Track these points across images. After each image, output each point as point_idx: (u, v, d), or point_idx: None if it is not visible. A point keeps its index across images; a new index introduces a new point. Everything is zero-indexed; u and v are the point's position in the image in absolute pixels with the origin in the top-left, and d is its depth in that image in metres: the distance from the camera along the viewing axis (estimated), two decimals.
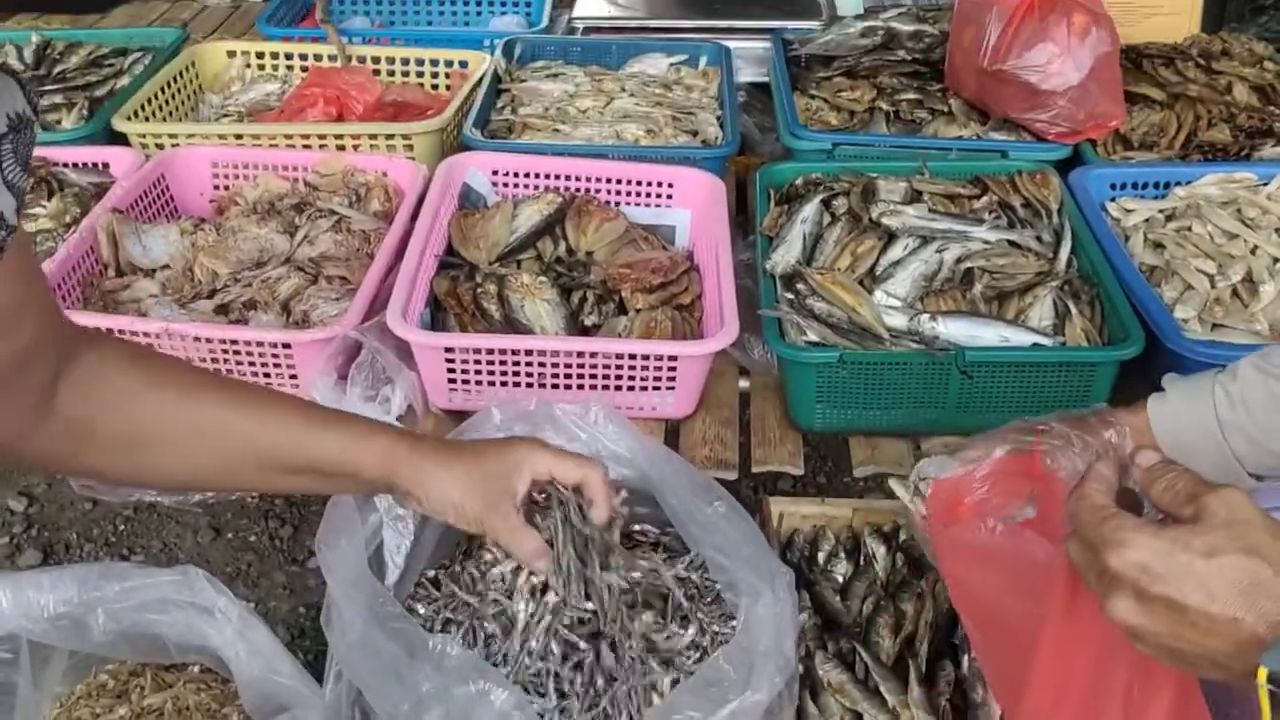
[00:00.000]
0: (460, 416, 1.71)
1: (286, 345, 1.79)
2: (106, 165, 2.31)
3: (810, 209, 2.07)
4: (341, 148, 2.36)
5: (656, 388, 1.81)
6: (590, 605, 1.32)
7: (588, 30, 2.91)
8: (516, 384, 1.79)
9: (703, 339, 1.85)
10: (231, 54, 2.82)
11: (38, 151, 0.96)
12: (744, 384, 1.95)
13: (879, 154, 2.30)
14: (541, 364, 1.77)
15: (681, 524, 1.42)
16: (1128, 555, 0.93)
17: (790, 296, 1.89)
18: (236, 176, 2.31)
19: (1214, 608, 0.89)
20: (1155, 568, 0.91)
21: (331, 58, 2.75)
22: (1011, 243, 2.01)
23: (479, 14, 3.25)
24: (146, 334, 1.80)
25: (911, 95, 2.50)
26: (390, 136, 2.37)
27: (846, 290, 1.87)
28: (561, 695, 1.31)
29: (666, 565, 1.43)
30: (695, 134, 2.45)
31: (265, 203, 2.22)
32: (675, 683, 1.32)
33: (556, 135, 2.42)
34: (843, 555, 1.66)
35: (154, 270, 2.07)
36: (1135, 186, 2.20)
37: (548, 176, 2.23)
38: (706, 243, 2.07)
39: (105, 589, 1.51)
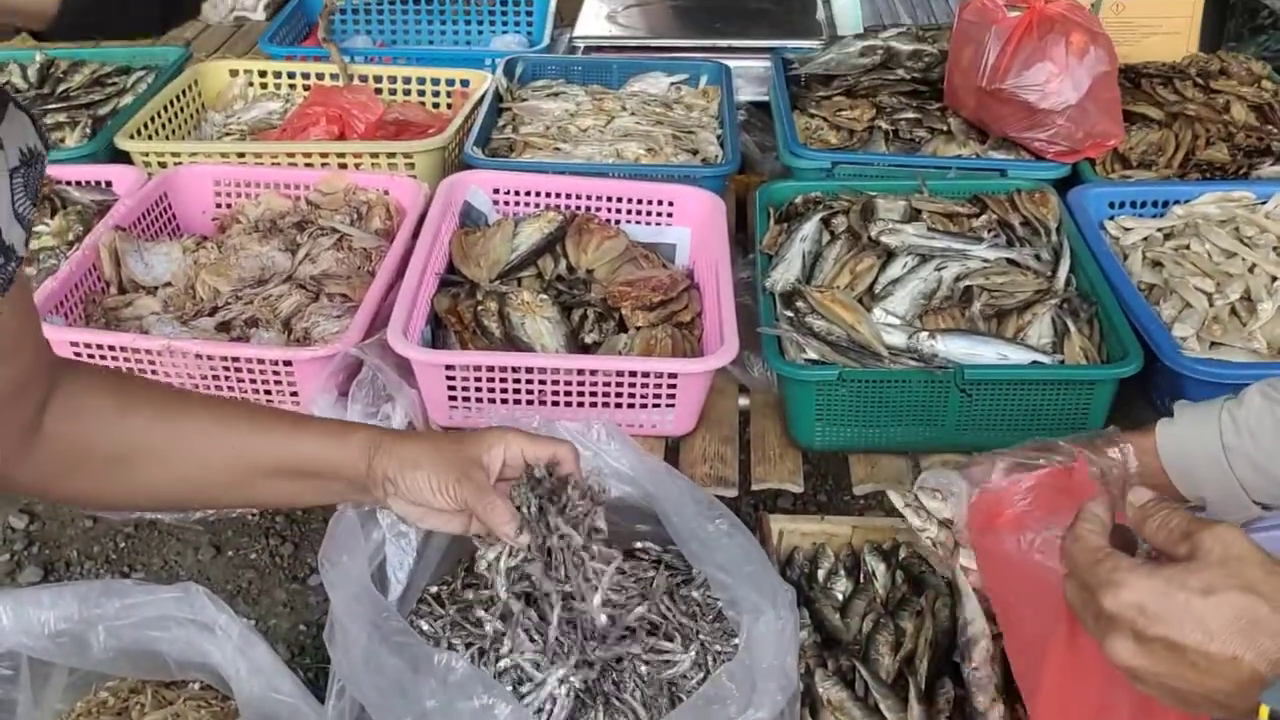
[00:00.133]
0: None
1: (288, 363, 1.80)
2: (109, 183, 2.32)
3: (810, 227, 2.08)
4: (343, 166, 2.37)
5: (657, 405, 1.81)
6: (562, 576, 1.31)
7: (588, 49, 2.93)
8: (517, 401, 1.79)
9: (703, 357, 1.85)
10: (234, 73, 2.83)
11: None
12: (744, 401, 1.96)
13: (878, 173, 2.31)
14: (542, 381, 1.78)
15: (683, 541, 1.42)
16: (1124, 596, 0.92)
17: (790, 314, 1.90)
18: (238, 195, 2.32)
19: (1213, 646, 0.89)
20: (1152, 608, 0.91)
21: (333, 77, 2.76)
22: (1010, 261, 2.02)
23: (480, 33, 3.27)
24: (148, 351, 1.80)
25: (911, 114, 2.51)
26: (392, 155, 2.38)
27: (846, 308, 1.87)
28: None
29: (664, 575, 1.43)
30: (695, 153, 2.45)
31: (267, 221, 2.23)
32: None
33: (557, 154, 2.43)
34: (842, 573, 1.66)
35: (156, 288, 2.07)
36: (1134, 205, 2.21)
37: (548, 195, 2.24)
38: (706, 261, 2.08)
39: (106, 606, 1.51)
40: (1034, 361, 1.82)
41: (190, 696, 1.61)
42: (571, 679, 1.31)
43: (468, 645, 1.40)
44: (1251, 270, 2.01)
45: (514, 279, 2.07)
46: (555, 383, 1.78)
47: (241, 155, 2.42)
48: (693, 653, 1.38)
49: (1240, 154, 2.37)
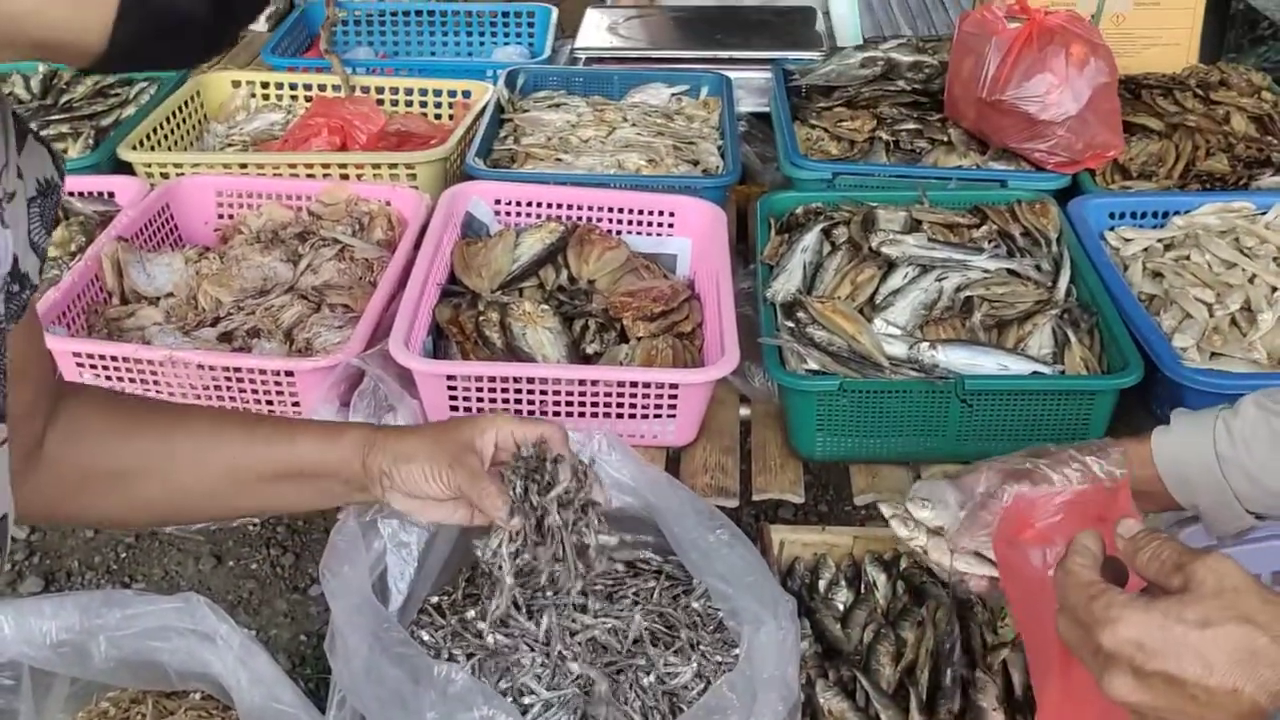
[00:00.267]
0: None
1: (289, 373, 1.80)
2: (112, 194, 2.33)
3: (810, 238, 2.08)
4: (345, 177, 2.38)
5: (658, 415, 1.82)
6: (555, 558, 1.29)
7: (590, 61, 2.93)
8: (518, 411, 1.79)
9: (704, 367, 1.85)
10: (236, 84, 2.84)
11: None
12: (745, 412, 1.96)
13: (879, 183, 2.31)
14: (543, 392, 1.78)
15: (684, 552, 1.43)
16: (1120, 632, 0.92)
17: (790, 325, 1.90)
18: (240, 205, 2.33)
19: (1212, 680, 0.89)
20: (1150, 643, 0.90)
21: (335, 88, 2.77)
22: (1011, 271, 2.02)
23: (482, 45, 3.28)
24: (150, 361, 1.81)
25: (911, 125, 2.52)
26: (394, 166, 2.39)
27: (846, 319, 1.88)
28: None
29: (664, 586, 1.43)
30: (696, 163, 2.46)
31: (269, 231, 2.23)
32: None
33: (559, 165, 2.44)
34: (843, 583, 1.66)
35: (158, 298, 2.08)
36: (1134, 216, 2.21)
37: (550, 205, 2.24)
38: (707, 271, 2.08)
39: (107, 616, 1.51)
40: (1034, 372, 1.82)
41: (191, 707, 1.61)
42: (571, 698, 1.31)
43: (468, 656, 1.40)
44: (1252, 281, 2.01)
45: (515, 289, 2.07)
46: (556, 393, 1.78)
47: (244, 166, 2.43)
48: (694, 663, 1.38)
49: (1240, 165, 2.37)
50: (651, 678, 1.38)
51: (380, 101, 2.74)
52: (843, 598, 1.64)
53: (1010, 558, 1.34)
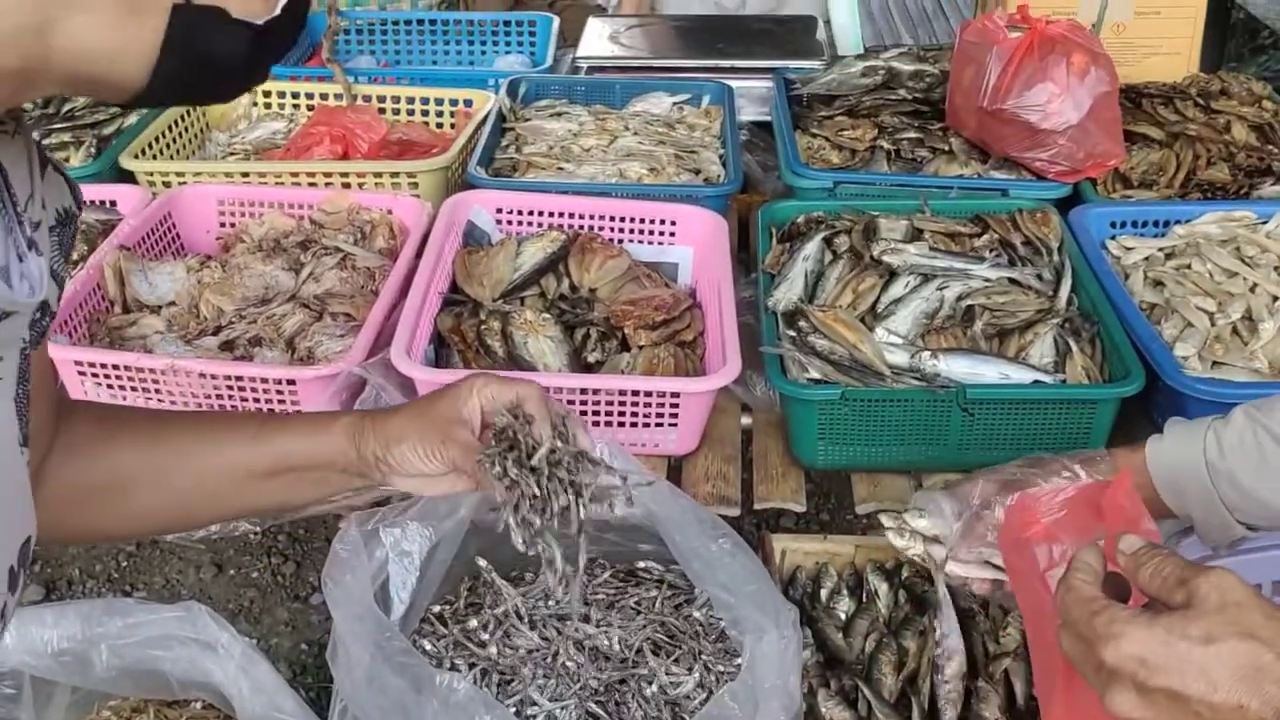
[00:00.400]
0: None
1: (291, 381, 1.80)
2: (114, 203, 2.33)
3: (812, 247, 2.08)
4: (347, 185, 2.38)
5: (659, 424, 1.82)
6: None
7: (591, 70, 2.94)
8: None
9: (705, 376, 1.85)
10: None
11: None
12: (746, 421, 1.96)
13: (880, 192, 2.31)
14: None
15: (686, 561, 1.43)
16: (1124, 648, 0.91)
17: (792, 334, 1.90)
18: (242, 214, 2.33)
19: (1217, 696, 0.88)
20: (1153, 660, 0.90)
21: (337, 97, 2.77)
22: (1012, 280, 2.02)
23: (484, 54, 3.28)
24: (152, 370, 1.81)
25: (912, 134, 2.52)
26: (395, 175, 2.39)
27: (848, 328, 1.88)
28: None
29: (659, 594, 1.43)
30: (698, 172, 2.46)
31: (271, 240, 2.23)
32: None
33: (560, 173, 2.44)
34: (845, 592, 1.66)
35: (160, 307, 2.08)
36: (1135, 225, 2.21)
37: (551, 214, 2.25)
38: (709, 280, 2.08)
39: (108, 625, 1.51)
40: (1036, 381, 1.82)
41: (192, 715, 1.62)
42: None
43: (470, 666, 1.40)
44: (1253, 290, 2.01)
45: (517, 298, 2.07)
46: (558, 402, 1.78)
47: (245, 175, 2.43)
48: (696, 673, 1.38)
49: (1241, 174, 2.37)
50: (654, 687, 1.38)
51: (382, 110, 2.74)
52: (844, 607, 1.64)
53: (1016, 564, 1.34)
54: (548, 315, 1.99)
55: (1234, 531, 1.39)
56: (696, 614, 1.51)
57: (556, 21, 3.24)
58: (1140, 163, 2.42)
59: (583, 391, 1.78)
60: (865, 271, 2.03)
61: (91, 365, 1.84)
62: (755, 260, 2.15)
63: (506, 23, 3.29)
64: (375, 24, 3.27)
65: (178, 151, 2.63)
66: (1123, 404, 1.77)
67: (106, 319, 2.02)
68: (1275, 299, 1.99)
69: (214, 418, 1.33)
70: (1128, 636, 0.91)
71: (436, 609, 1.52)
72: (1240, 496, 1.35)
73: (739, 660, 1.34)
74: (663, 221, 2.23)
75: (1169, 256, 2.13)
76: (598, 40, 3.04)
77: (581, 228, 2.23)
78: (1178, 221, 2.20)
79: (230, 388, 1.82)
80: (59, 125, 2.65)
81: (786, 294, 2.00)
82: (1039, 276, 2.03)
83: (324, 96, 2.80)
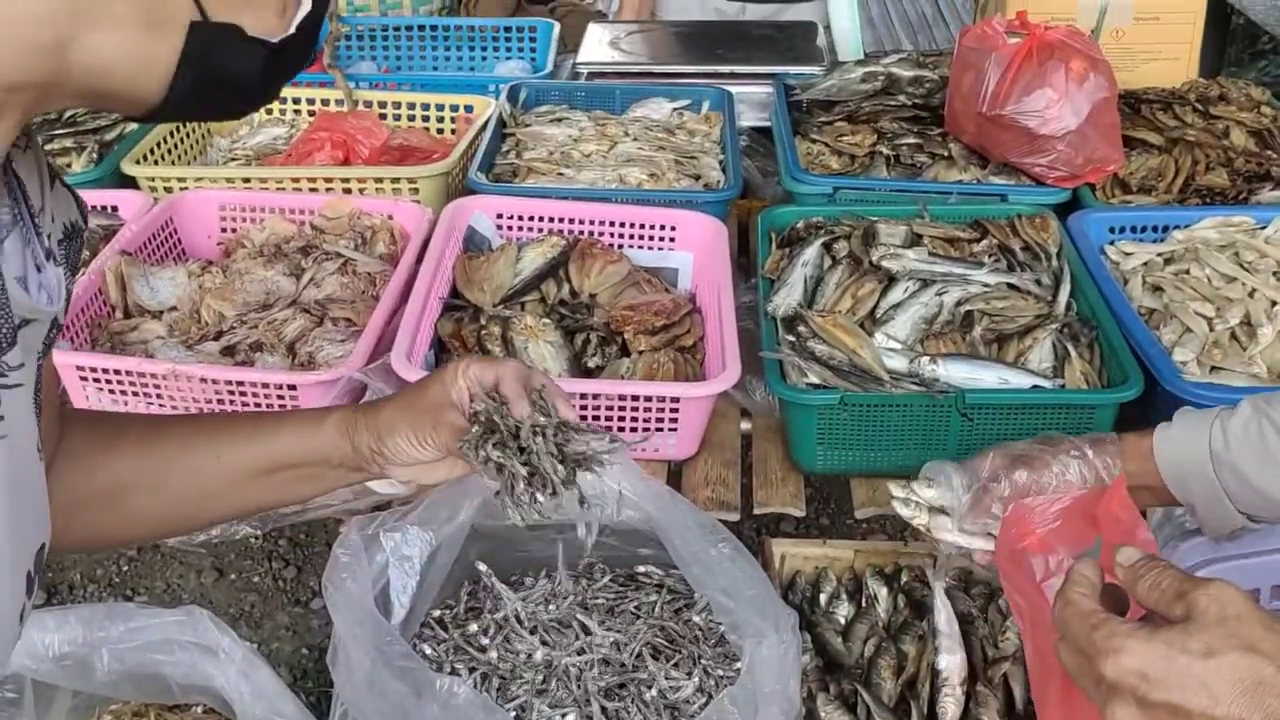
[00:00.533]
0: None
1: (292, 387, 1.81)
2: (115, 208, 2.33)
3: (811, 252, 2.09)
4: (348, 191, 2.39)
5: (659, 429, 1.82)
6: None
7: (592, 75, 2.94)
8: None
9: (705, 381, 1.86)
10: None
11: None
12: (746, 425, 1.96)
13: (879, 198, 2.32)
14: None
15: (685, 565, 1.43)
16: (1124, 663, 0.91)
17: (791, 339, 1.90)
18: (244, 219, 2.33)
19: (1219, 710, 0.88)
20: (1154, 674, 0.90)
21: (338, 102, 2.78)
22: (1011, 286, 2.03)
23: (484, 59, 3.29)
24: (153, 375, 1.81)
25: (912, 140, 2.53)
26: (396, 180, 2.40)
27: (847, 333, 1.88)
28: None
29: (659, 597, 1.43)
30: (698, 178, 2.47)
31: (272, 245, 2.24)
32: None
33: (560, 179, 2.44)
34: (844, 597, 1.67)
35: (161, 312, 2.08)
36: (1134, 230, 2.22)
37: (552, 220, 2.25)
38: (708, 285, 2.09)
39: (110, 629, 1.52)
40: (1035, 386, 1.82)
41: None
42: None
43: (471, 670, 1.40)
44: (1251, 295, 2.01)
45: (517, 303, 2.08)
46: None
47: (247, 180, 2.43)
48: (696, 677, 1.39)
49: (1240, 179, 2.38)
50: (654, 692, 1.38)
51: (383, 116, 2.75)
52: (844, 611, 1.65)
53: (1013, 574, 1.34)
54: (548, 320, 1.99)
55: (1235, 521, 1.39)
56: (696, 618, 1.51)
57: (557, 27, 3.25)
58: (1139, 168, 2.43)
59: (583, 396, 1.78)
60: (864, 277, 2.04)
61: (93, 370, 1.84)
62: (755, 265, 2.16)
63: (507, 28, 3.29)
64: (376, 30, 3.28)
65: (179, 157, 2.63)
66: (1121, 409, 1.77)
67: (108, 324, 2.03)
68: (1274, 304, 1.99)
69: (209, 419, 1.33)
70: (1128, 651, 0.91)
71: (437, 613, 1.53)
72: (1242, 486, 1.36)
73: (739, 665, 1.34)
74: (663, 227, 2.23)
75: (1168, 262, 2.13)
76: (598, 46, 3.05)
77: (582, 233, 2.23)
78: (1176, 227, 2.20)
79: (231, 393, 1.82)
80: (61, 131, 2.66)
81: (786, 299, 2.01)
82: (1038, 282, 2.04)
83: (325, 102, 2.80)
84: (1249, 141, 2.48)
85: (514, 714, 1.32)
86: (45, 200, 0.90)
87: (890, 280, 2.03)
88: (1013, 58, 2.27)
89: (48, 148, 2.56)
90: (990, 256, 2.10)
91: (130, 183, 2.43)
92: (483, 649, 1.46)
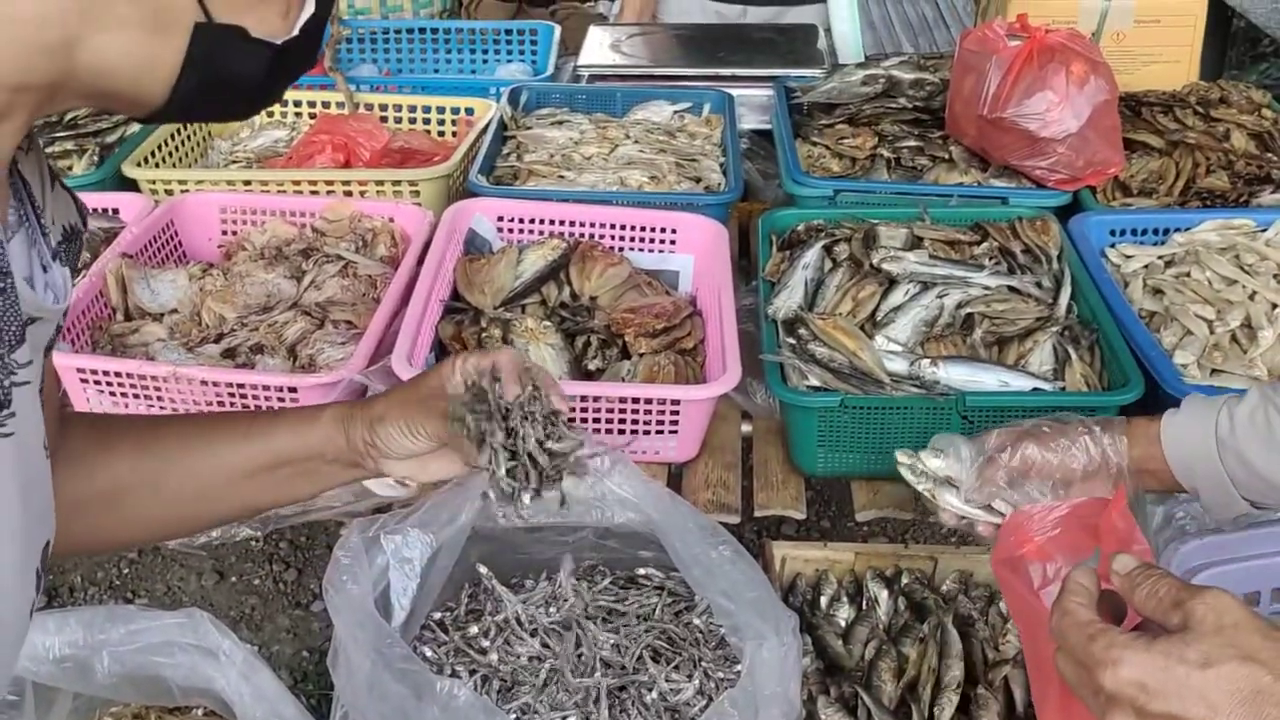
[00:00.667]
0: None
1: (293, 389, 1.80)
2: (116, 211, 2.33)
3: (812, 255, 2.09)
4: (349, 194, 2.39)
5: (660, 431, 1.82)
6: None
7: (592, 78, 2.94)
8: None
9: (705, 383, 1.86)
10: None
11: None
12: (746, 428, 1.96)
13: (880, 200, 2.32)
14: None
15: (686, 568, 1.43)
16: (1123, 674, 0.91)
17: (792, 341, 1.90)
18: (245, 222, 2.33)
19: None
20: (1152, 684, 0.90)
21: (339, 105, 2.78)
22: (1011, 288, 2.03)
23: (485, 62, 3.29)
24: (154, 377, 1.81)
25: (912, 142, 2.53)
26: (397, 183, 2.40)
27: (848, 335, 1.88)
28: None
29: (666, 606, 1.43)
30: (698, 180, 2.47)
31: (273, 248, 2.24)
32: None
33: (561, 181, 2.45)
34: (845, 599, 1.67)
35: (162, 315, 2.09)
36: (1134, 233, 2.22)
37: (552, 222, 2.25)
38: (709, 288, 2.09)
39: (110, 632, 1.52)
40: (1035, 389, 1.82)
41: None
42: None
43: (471, 672, 1.40)
44: (1252, 298, 2.02)
45: (518, 306, 2.08)
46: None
47: (248, 183, 2.43)
48: (696, 680, 1.39)
49: (1240, 182, 2.38)
50: (654, 694, 1.38)
51: (384, 119, 2.75)
52: (844, 614, 1.65)
53: (1011, 581, 1.34)
54: (548, 323, 1.99)
55: (1239, 507, 1.39)
56: (697, 621, 1.51)
57: (558, 30, 3.25)
58: (1140, 171, 2.43)
59: (583, 399, 1.78)
60: (865, 279, 2.04)
61: (94, 372, 1.84)
62: (755, 268, 2.16)
63: (508, 31, 3.29)
64: (377, 32, 3.28)
65: (180, 160, 2.63)
66: (1121, 411, 1.77)
67: (109, 326, 2.03)
68: (1274, 306, 1.99)
69: (206, 419, 1.34)
70: (1126, 661, 0.91)
71: (437, 616, 1.53)
72: (1247, 472, 1.36)
73: (739, 667, 1.34)
74: (663, 229, 2.23)
75: (1168, 264, 2.13)
76: (599, 48, 3.05)
77: (582, 236, 2.23)
78: (1177, 229, 2.20)
79: (232, 395, 1.82)
80: (62, 134, 2.66)
81: (786, 302, 2.01)
82: (1038, 284, 2.04)
83: (326, 105, 2.81)
84: (1249, 144, 2.48)
85: (514, 716, 1.32)
86: (46, 202, 0.91)
87: (891, 283, 2.03)
88: (1013, 60, 2.27)
89: (48, 150, 2.56)
90: (991, 259, 2.10)
91: (131, 185, 2.43)
92: (483, 651, 1.46)
